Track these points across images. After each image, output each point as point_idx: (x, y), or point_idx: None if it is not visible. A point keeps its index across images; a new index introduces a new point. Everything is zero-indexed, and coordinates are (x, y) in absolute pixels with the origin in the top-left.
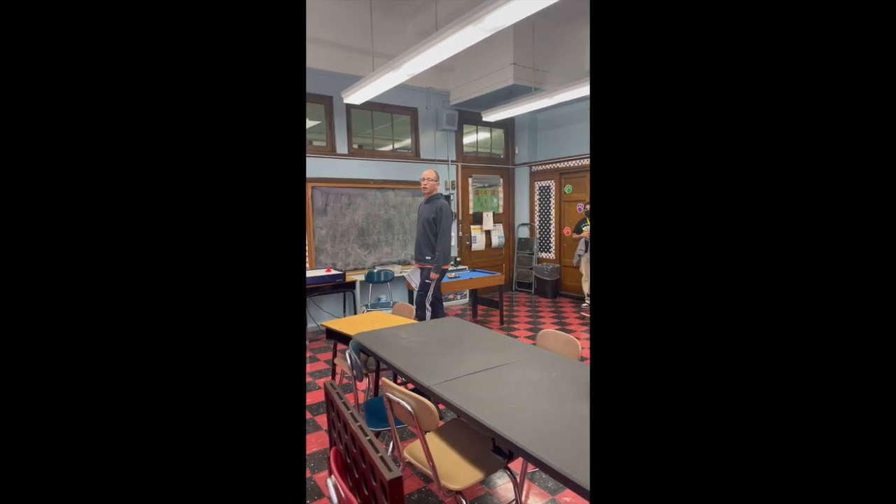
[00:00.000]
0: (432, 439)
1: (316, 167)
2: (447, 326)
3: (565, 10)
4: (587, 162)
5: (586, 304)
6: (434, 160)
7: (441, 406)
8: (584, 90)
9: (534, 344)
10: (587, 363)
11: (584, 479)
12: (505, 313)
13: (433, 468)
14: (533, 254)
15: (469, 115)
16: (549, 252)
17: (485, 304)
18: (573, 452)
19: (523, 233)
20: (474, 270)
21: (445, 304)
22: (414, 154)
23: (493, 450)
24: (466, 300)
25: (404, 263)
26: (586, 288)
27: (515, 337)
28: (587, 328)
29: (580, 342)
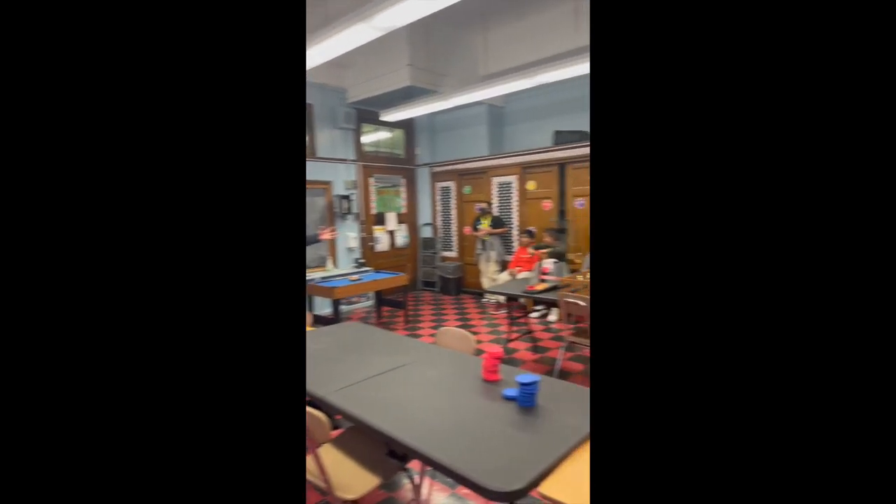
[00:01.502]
0: (328, 451)
1: None
2: (347, 332)
3: (462, 15)
4: (485, 163)
5: (485, 299)
6: (332, 158)
7: (338, 416)
8: (481, 94)
9: (434, 343)
10: (483, 356)
11: (473, 471)
12: (410, 313)
13: (326, 481)
14: (436, 253)
15: (368, 114)
16: (452, 250)
17: (390, 305)
18: (465, 447)
19: (427, 232)
20: (378, 272)
21: (350, 307)
22: (310, 152)
23: (387, 454)
24: (371, 302)
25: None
26: (486, 283)
27: (419, 336)
28: (487, 321)
29: (475, 337)
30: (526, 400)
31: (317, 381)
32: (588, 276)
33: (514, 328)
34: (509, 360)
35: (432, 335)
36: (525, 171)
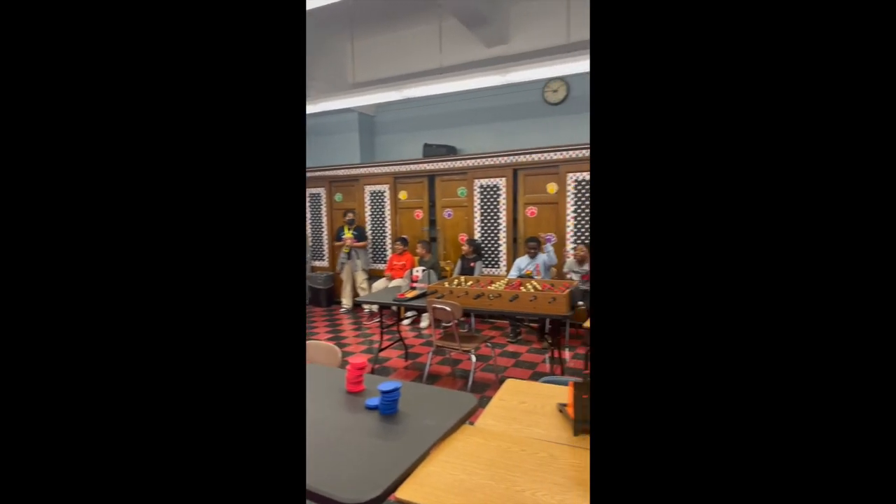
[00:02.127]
0: None
1: None
2: None
3: (328, 19)
4: (357, 171)
5: (344, 308)
6: None
7: None
8: (349, 101)
9: None
10: (347, 368)
11: (326, 485)
12: None
13: None
14: (306, 262)
15: None
16: (323, 260)
17: None
18: (327, 463)
19: None
20: None
21: None
22: None
23: None
24: None
25: None
26: (345, 298)
27: None
28: (359, 332)
29: (347, 348)
30: (387, 408)
31: None
32: (455, 282)
33: (387, 336)
34: (381, 368)
35: None
36: (397, 180)
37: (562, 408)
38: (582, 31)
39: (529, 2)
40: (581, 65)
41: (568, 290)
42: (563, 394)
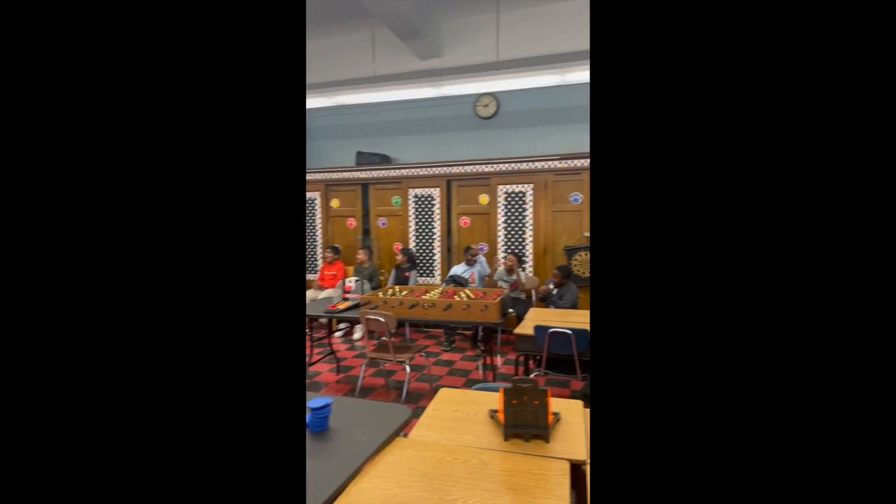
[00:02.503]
0: None
1: None
2: None
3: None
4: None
5: None
6: None
7: None
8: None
9: None
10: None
11: None
12: None
13: None
14: None
15: None
16: None
17: None
18: None
19: None
20: None
21: None
22: None
23: None
24: None
25: None
26: None
27: None
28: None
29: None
30: (317, 425)
31: None
32: (389, 292)
33: (318, 350)
34: (311, 383)
35: None
36: (329, 188)
37: (493, 414)
38: (512, 49)
39: (462, 19)
40: (511, 82)
41: (499, 298)
42: (495, 400)
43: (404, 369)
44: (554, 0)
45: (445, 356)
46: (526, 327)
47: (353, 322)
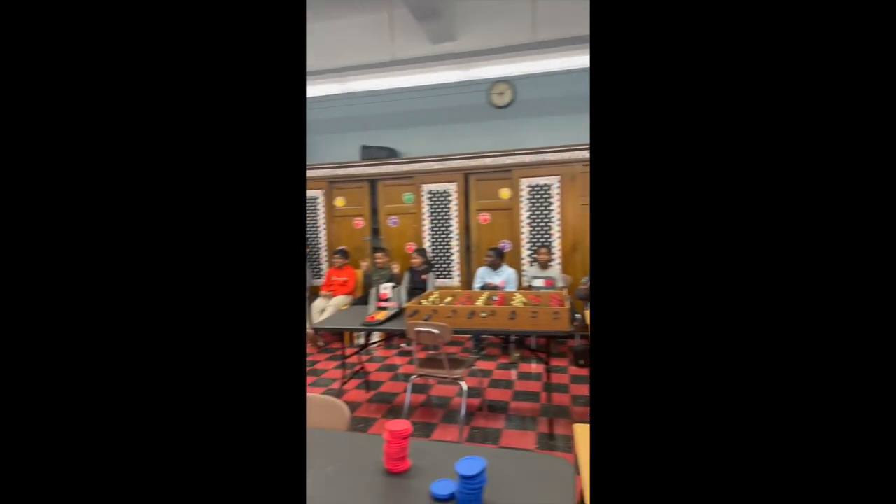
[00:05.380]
0: None
1: None
2: None
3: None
4: None
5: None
6: None
7: None
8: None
9: None
10: (385, 436)
11: None
12: None
13: None
14: None
15: None
16: None
17: None
18: None
19: None
20: None
21: None
22: None
23: None
24: None
25: None
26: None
27: None
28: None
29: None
30: (470, 500)
31: None
32: (430, 299)
33: (334, 364)
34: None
35: None
36: (332, 185)
37: None
38: (532, 31)
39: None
40: (537, 64)
41: (568, 303)
42: None
43: (460, 386)
44: None
45: (479, 364)
46: None
47: (394, 335)
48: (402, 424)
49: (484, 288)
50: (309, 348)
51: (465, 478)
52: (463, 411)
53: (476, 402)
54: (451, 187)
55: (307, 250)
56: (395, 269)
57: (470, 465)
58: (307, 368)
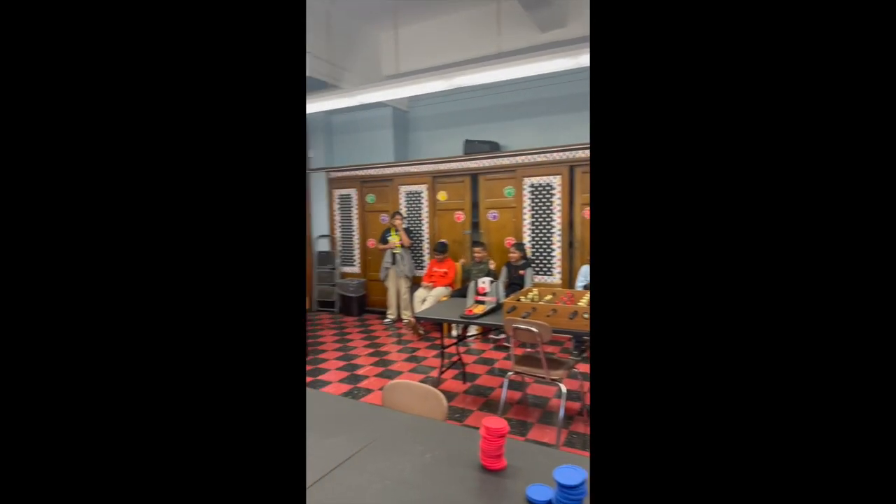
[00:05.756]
0: None
1: None
2: None
3: (365, 8)
4: (391, 171)
5: (388, 318)
6: None
7: None
8: (385, 94)
9: (382, 405)
10: (481, 431)
11: None
12: (309, 340)
13: None
14: (335, 269)
15: None
16: (354, 266)
17: None
18: None
19: (323, 245)
20: None
21: None
22: None
23: None
24: None
25: None
26: (391, 308)
27: (324, 371)
28: (402, 346)
29: (392, 366)
30: None
31: None
32: (529, 295)
33: (433, 353)
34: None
35: (340, 369)
36: (436, 180)
37: None
38: None
39: None
40: None
41: None
42: None
43: (559, 388)
44: None
45: (579, 367)
46: None
47: (491, 329)
48: (498, 422)
49: (587, 287)
50: (410, 335)
51: (564, 487)
52: (561, 414)
53: (576, 406)
54: (555, 180)
55: (409, 242)
56: (492, 264)
57: (570, 474)
58: (408, 355)
